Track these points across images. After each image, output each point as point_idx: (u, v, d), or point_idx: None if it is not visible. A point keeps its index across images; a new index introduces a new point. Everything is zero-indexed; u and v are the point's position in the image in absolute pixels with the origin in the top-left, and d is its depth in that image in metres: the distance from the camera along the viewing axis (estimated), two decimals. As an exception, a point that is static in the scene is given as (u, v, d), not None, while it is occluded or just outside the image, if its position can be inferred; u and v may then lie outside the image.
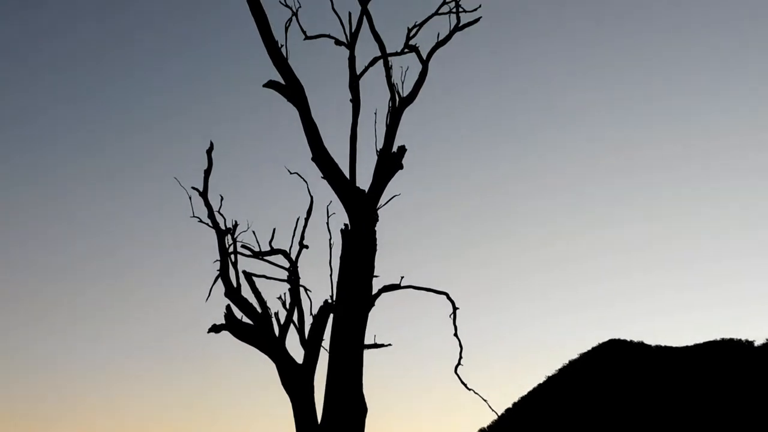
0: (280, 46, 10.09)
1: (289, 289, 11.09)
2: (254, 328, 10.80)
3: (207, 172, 12.71)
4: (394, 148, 10.78)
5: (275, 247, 11.32)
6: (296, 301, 11.01)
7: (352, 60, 10.85)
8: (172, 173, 12.71)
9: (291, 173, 10.97)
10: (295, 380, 10.43)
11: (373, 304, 10.09)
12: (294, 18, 10.89)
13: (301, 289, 11.05)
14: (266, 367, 10.76)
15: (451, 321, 10.20)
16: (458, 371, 10.54)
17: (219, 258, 11.77)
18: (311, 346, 10.65)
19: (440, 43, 11.65)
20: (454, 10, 11.73)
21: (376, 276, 10.15)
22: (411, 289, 10.21)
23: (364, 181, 10.56)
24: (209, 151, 12.82)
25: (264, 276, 11.20)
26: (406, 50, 11.56)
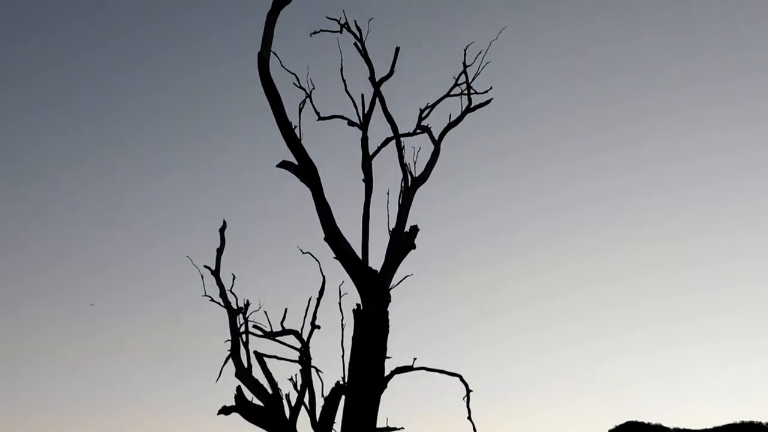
0: (293, 127, 10.19)
1: (301, 370, 10.95)
2: (265, 410, 10.63)
3: (219, 251, 12.72)
4: (407, 228, 10.78)
5: (287, 327, 11.22)
6: (307, 382, 10.85)
7: (364, 140, 10.94)
8: (184, 252, 12.74)
9: (303, 253, 10.95)
10: (306, 464, 10.22)
11: (386, 386, 9.94)
12: (308, 99, 11.06)
13: (313, 370, 10.91)
14: (276, 450, 10.55)
15: (465, 404, 10.01)
16: (472, 455, 10.29)
17: (230, 338, 11.70)
18: (323, 428, 10.45)
19: (452, 124, 11.78)
20: (466, 92, 11.89)
21: (389, 357, 10.02)
22: (424, 371, 10.06)
23: (376, 261, 10.53)
24: (222, 230, 12.87)
25: (275, 356, 11.08)
26: (418, 131, 11.68)
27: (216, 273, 12.49)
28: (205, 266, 12.54)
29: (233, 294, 12.17)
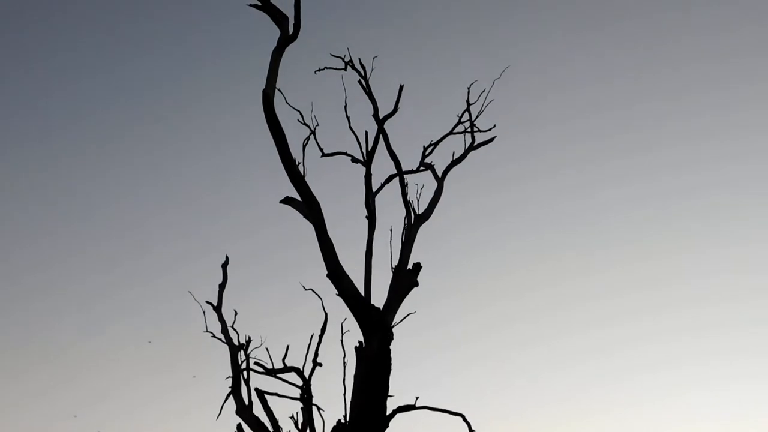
0: (297, 163, 10.21)
1: (302, 408, 10.85)
2: (265, 448, 10.52)
3: (221, 287, 12.72)
4: (410, 265, 10.75)
5: (288, 364, 11.15)
6: (309, 420, 10.75)
7: (368, 177, 10.95)
8: (186, 287, 12.72)
9: (306, 289, 10.91)
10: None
11: (388, 425, 9.83)
12: (312, 136, 11.10)
13: (314, 408, 10.81)
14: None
15: (468, 444, 9.89)
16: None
17: (231, 374, 11.63)
18: (323, 467, 10.35)
19: (455, 162, 11.83)
20: (469, 129, 11.95)
21: (391, 396, 9.93)
22: (426, 410, 9.97)
23: (379, 298, 10.49)
24: (224, 265, 12.87)
25: (276, 394, 10.99)
26: (421, 168, 11.72)
27: (218, 309, 12.47)
28: (207, 302, 12.52)
29: (235, 330, 12.14)
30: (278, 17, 9.94)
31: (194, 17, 25.36)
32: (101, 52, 26.39)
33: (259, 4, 9.89)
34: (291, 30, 9.88)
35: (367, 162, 11.03)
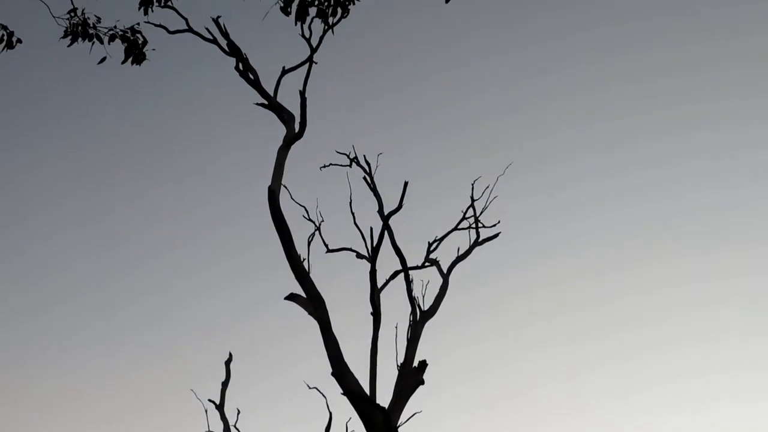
0: (302, 259, 10.19)
1: None
2: None
3: (224, 384, 12.54)
4: (415, 363, 10.59)
5: (291, 465, 10.89)
6: None
7: (373, 273, 10.91)
8: (188, 385, 12.53)
9: (310, 388, 10.72)
10: None
11: None
12: (317, 232, 11.12)
13: None
14: None
15: None
16: None
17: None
18: None
19: (460, 258, 11.81)
20: (474, 225, 11.98)
21: (397, 499, 9.65)
22: None
23: (384, 396, 10.30)
24: (228, 363, 12.71)
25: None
26: (426, 264, 11.69)
27: (220, 407, 12.26)
28: (210, 400, 12.32)
29: (237, 429, 11.91)
30: (284, 116, 10.10)
31: (202, 114, 25.81)
32: (109, 157, 26.77)
33: (266, 102, 10.06)
34: (297, 128, 10.02)
35: (372, 258, 11.02)
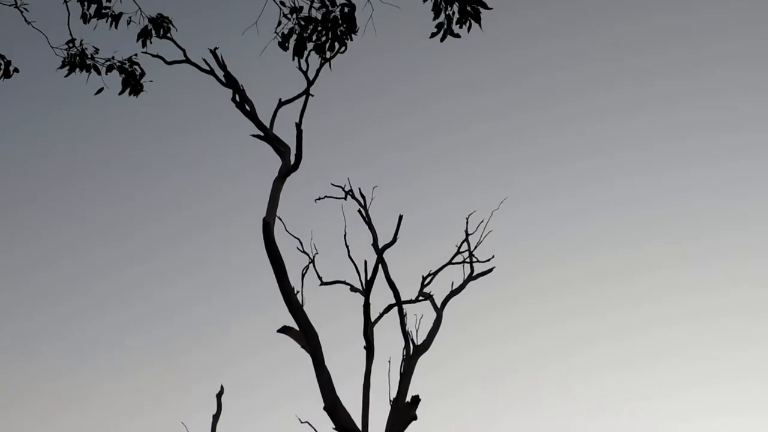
0: (296, 292, 10.15)
1: None
2: None
3: (215, 417, 12.43)
4: (408, 398, 10.52)
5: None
6: None
7: (366, 307, 10.86)
8: (179, 418, 12.43)
9: (302, 422, 10.63)
10: None
11: None
12: (311, 264, 11.09)
13: None
14: None
15: None
16: None
17: None
18: None
19: (454, 292, 11.78)
20: (468, 260, 11.96)
21: None
22: None
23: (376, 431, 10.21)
24: (219, 395, 12.61)
25: None
26: (420, 298, 11.66)
27: (211, 441, 12.14)
28: (200, 434, 12.20)
29: (228, 463, 11.78)
30: (280, 148, 10.11)
31: (198, 146, 25.88)
32: (106, 188, 26.79)
33: (262, 134, 10.08)
34: (293, 160, 10.03)
35: (366, 291, 10.97)
